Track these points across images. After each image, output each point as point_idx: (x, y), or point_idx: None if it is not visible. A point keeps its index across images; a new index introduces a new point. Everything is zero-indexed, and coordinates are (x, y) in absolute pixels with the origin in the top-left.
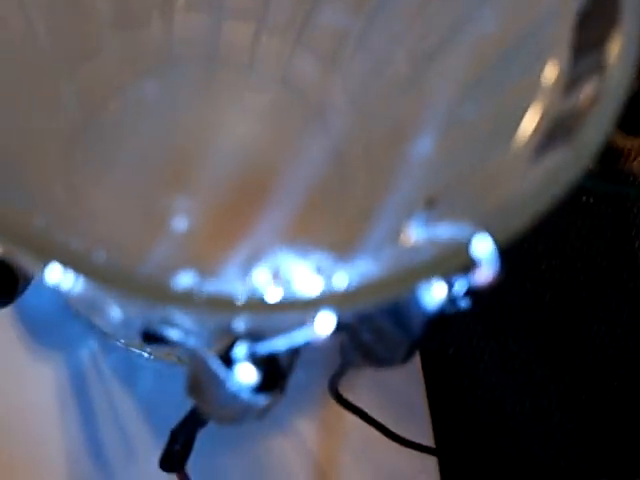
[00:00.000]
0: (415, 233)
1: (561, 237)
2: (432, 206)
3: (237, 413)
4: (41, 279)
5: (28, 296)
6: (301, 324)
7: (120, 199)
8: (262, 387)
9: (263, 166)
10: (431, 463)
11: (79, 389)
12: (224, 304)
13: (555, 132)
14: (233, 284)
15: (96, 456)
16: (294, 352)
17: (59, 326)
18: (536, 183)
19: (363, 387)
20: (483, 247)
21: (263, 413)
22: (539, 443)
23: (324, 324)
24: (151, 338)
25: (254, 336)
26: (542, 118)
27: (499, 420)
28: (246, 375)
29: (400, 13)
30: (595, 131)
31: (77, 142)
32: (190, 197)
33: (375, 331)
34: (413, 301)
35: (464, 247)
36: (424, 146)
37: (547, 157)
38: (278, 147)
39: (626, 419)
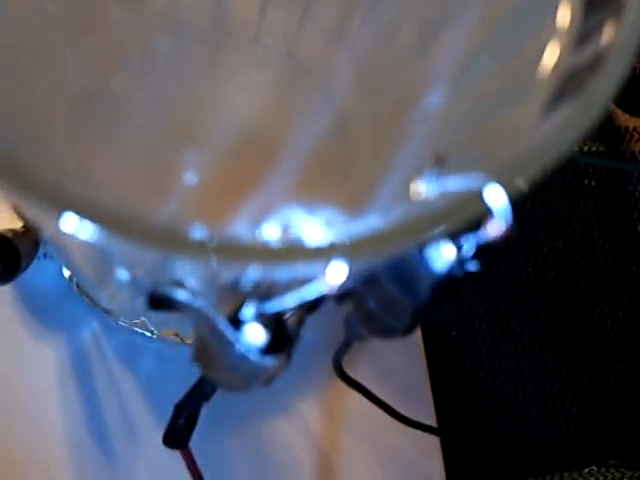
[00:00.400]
0: (425, 188)
1: (563, 220)
2: (442, 163)
3: (244, 378)
4: (42, 255)
5: (29, 275)
6: (307, 280)
7: (129, 160)
8: (270, 348)
9: (269, 131)
10: (433, 443)
11: (81, 369)
12: (236, 251)
13: (566, 86)
14: (243, 237)
15: (98, 437)
16: (300, 317)
17: (61, 306)
18: (546, 137)
19: (366, 368)
20: (496, 197)
21: (270, 379)
22: (541, 426)
23: (335, 273)
24: (158, 302)
25: (262, 295)
26: (554, 72)
27: (501, 402)
28: (254, 335)
29: None
30: (604, 86)
31: (84, 108)
32: (199, 155)
33: (381, 298)
34: (421, 263)
35: (476, 197)
36: (433, 104)
37: (558, 111)
38: (283, 116)
39: (629, 402)
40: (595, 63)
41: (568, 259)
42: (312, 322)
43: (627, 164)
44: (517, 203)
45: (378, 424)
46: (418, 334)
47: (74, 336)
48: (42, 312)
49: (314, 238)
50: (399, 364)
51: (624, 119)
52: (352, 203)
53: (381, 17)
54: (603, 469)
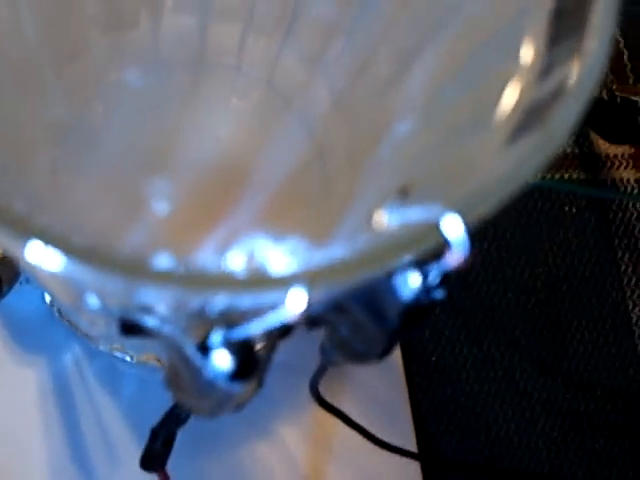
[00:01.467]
0: (388, 218)
1: (544, 246)
2: (406, 193)
3: (214, 403)
4: (24, 280)
5: (11, 300)
6: (272, 307)
7: (104, 190)
8: (238, 374)
9: (245, 160)
10: (414, 468)
11: (62, 394)
12: (200, 281)
13: (529, 118)
14: (208, 266)
15: (79, 461)
16: (271, 343)
17: (42, 331)
18: (509, 168)
19: (346, 393)
20: (453, 227)
21: (241, 405)
22: (522, 451)
23: (296, 302)
24: (129, 329)
25: (229, 322)
26: (518, 104)
27: (482, 427)
28: (221, 361)
29: (386, 8)
30: (566, 117)
31: (62, 138)
32: (171, 184)
33: (353, 325)
34: (388, 291)
35: (434, 228)
36: (402, 133)
37: (520, 143)
38: (260, 145)
39: (609, 427)
40: (557, 95)
41: (548, 285)
42: (295, 347)
43: (608, 192)
44: (497, 229)
45: (360, 449)
46: (398, 360)
47: (55, 361)
48: (23, 336)
49: (278, 267)
50: (380, 389)
51: (605, 147)
52: (321, 233)
53: (358, 46)
54: None
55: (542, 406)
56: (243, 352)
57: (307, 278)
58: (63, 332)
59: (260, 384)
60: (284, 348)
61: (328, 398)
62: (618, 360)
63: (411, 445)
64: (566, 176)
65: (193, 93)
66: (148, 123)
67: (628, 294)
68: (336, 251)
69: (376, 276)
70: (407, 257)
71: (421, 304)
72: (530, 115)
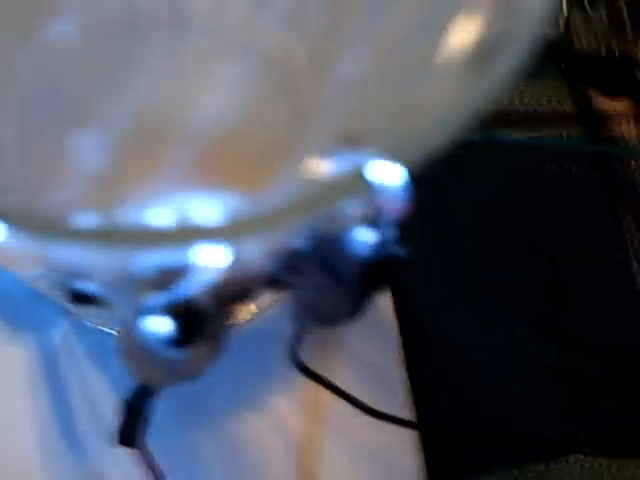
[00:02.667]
0: (328, 166)
1: (544, 206)
2: (355, 141)
3: (167, 372)
4: None
5: None
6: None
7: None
8: (179, 340)
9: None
10: (412, 437)
11: (51, 370)
12: (118, 237)
13: (479, 55)
14: (131, 223)
15: (69, 437)
16: (229, 308)
17: (29, 307)
18: (454, 108)
19: (339, 361)
20: (389, 173)
21: (197, 373)
22: (525, 416)
23: (221, 256)
24: (77, 297)
25: (166, 283)
26: (469, 39)
27: (482, 393)
28: (160, 326)
29: None
30: (511, 61)
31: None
32: (104, 137)
33: (315, 287)
34: (343, 249)
35: (366, 174)
36: (348, 74)
37: (467, 85)
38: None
39: (614, 389)
40: (508, 38)
41: (549, 246)
42: (286, 316)
43: (611, 147)
44: (494, 190)
45: (356, 420)
46: (394, 326)
47: (43, 337)
48: (10, 314)
49: (204, 220)
50: (375, 357)
51: (604, 103)
52: (256, 185)
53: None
54: (590, 457)
55: (545, 370)
56: (184, 316)
57: (230, 231)
58: (51, 308)
59: (216, 351)
60: (275, 317)
61: (320, 367)
62: (623, 321)
63: (409, 414)
64: (565, 134)
65: (168, 56)
66: (126, 88)
67: (632, 254)
68: (268, 202)
69: (308, 225)
70: (337, 205)
71: (379, 261)
72: (480, 54)
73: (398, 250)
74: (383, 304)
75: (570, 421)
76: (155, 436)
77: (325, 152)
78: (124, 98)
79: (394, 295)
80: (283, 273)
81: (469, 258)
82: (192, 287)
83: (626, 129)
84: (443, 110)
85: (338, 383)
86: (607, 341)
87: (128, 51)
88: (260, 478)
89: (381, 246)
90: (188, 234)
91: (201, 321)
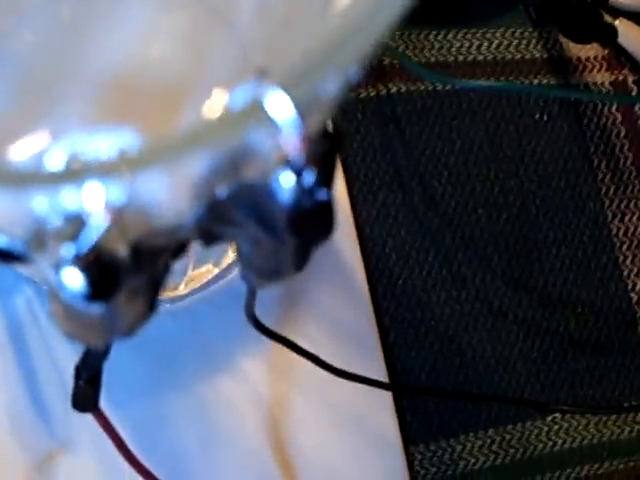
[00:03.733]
0: (229, 103)
1: (514, 158)
2: (263, 75)
3: (94, 329)
4: None
5: None
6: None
7: None
8: (94, 294)
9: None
10: (385, 398)
11: (16, 337)
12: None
13: None
14: (25, 165)
15: (36, 403)
16: (163, 262)
17: None
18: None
19: (310, 322)
20: (280, 106)
21: (128, 330)
22: (499, 374)
23: (113, 193)
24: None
25: (74, 234)
26: None
27: (456, 351)
28: (72, 280)
29: None
30: None
31: None
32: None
33: (250, 239)
34: (268, 197)
35: (258, 107)
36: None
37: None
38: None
39: (591, 345)
40: None
41: (521, 198)
42: None
43: (582, 94)
44: (463, 140)
45: (327, 380)
46: (363, 284)
47: (6, 304)
48: None
49: (94, 158)
50: (345, 316)
51: (575, 50)
52: (157, 125)
53: None
54: (567, 416)
55: (519, 326)
56: (95, 269)
57: (121, 164)
58: (12, 275)
59: (147, 307)
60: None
61: (289, 326)
62: (598, 274)
63: (381, 373)
64: (535, 82)
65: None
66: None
67: (607, 204)
68: (167, 137)
69: (216, 163)
70: (236, 137)
71: (306, 207)
72: None
73: (322, 194)
74: (351, 259)
75: (547, 379)
76: (124, 402)
77: (230, 86)
78: (21, 29)
79: (362, 250)
80: (210, 222)
81: (439, 211)
82: (94, 234)
83: (599, 76)
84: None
85: (310, 344)
86: (583, 295)
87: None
88: (231, 440)
89: (304, 191)
90: (75, 171)
91: (115, 275)
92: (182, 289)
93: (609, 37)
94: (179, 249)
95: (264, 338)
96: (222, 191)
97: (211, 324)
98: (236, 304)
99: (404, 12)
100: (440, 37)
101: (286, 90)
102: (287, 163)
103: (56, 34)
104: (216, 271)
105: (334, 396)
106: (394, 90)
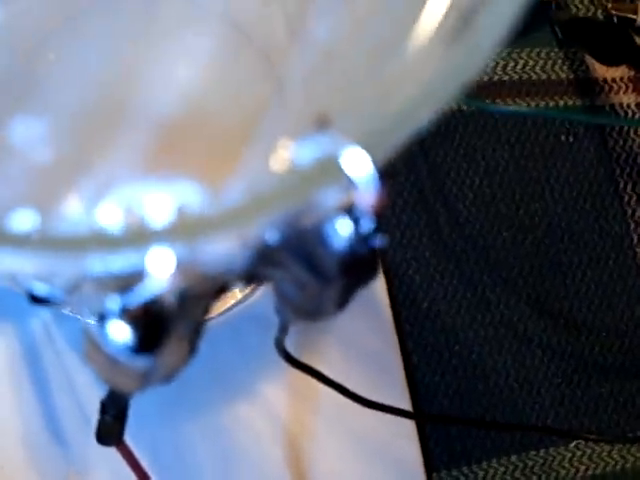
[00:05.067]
0: (294, 154)
1: (540, 180)
2: (326, 124)
3: (134, 378)
4: None
5: None
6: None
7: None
8: (140, 347)
9: (199, 100)
10: (408, 424)
11: (33, 359)
12: (62, 242)
13: (454, 29)
14: (78, 222)
15: (52, 428)
16: (205, 305)
17: (8, 296)
18: (428, 86)
19: (333, 349)
20: (358, 163)
21: (168, 376)
22: (523, 399)
23: (161, 261)
24: (35, 299)
25: (124, 286)
26: (443, 14)
27: (480, 376)
28: (118, 333)
29: None
30: (492, 23)
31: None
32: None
33: (294, 281)
34: (321, 242)
35: (334, 164)
36: (324, 44)
37: (444, 58)
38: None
39: (616, 370)
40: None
41: (545, 221)
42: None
43: (607, 117)
44: (487, 163)
45: (350, 407)
46: (386, 308)
47: (24, 326)
48: None
49: (157, 219)
50: (368, 341)
51: (602, 71)
52: (218, 173)
53: None
54: (591, 443)
55: (543, 351)
56: (144, 322)
57: (182, 231)
58: None
59: (189, 352)
60: (262, 301)
61: (313, 354)
62: (624, 298)
63: (404, 400)
64: (561, 103)
65: (145, 29)
66: (101, 64)
67: (632, 227)
68: (230, 195)
69: (278, 218)
70: (308, 197)
71: (358, 253)
72: (454, 27)
73: (377, 241)
74: (376, 285)
75: (571, 405)
76: (143, 430)
77: (297, 137)
78: (76, 76)
79: (386, 274)
80: (258, 266)
81: (464, 234)
82: (148, 291)
83: (625, 97)
84: (423, 84)
85: (332, 370)
86: (608, 320)
87: (89, 21)
88: (251, 467)
89: (359, 238)
90: (137, 238)
91: (164, 326)
92: None
93: (638, 59)
94: (221, 290)
95: (284, 363)
96: (273, 236)
97: (231, 348)
98: (255, 328)
99: (479, 72)
100: None
101: (367, 149)
102: (346, 211)
103: (118, 70)
104: (239, 296)
105: (356, 422)
106: None
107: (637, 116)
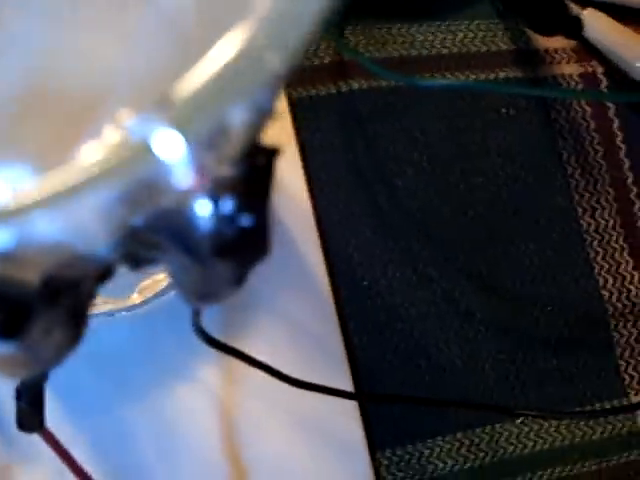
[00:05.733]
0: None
1: (480, 154)
2: (166, 102)
3: (16, 364)
4: None
5: None
6: None
7: None
8: (1, 332)
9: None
10: (350, 406)
11: None
12: None
13: None
14: None
15: None
16: (89, 291)
17: None
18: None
19: (271, 330)
20: (171, 145)
21: (53, 361)
22: (468, 376)
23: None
24: None
25: None
26: None
27: (422, 354)
28: None
29: None
30: None
31: None
32: None
33: (177, 264)
34: (188, 224)
35: (145, 148)
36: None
37: None
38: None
39: (561, 345)
40: None
41: (487, 195)
42: None
43: (549, 89)
44: (426, 137)
45: (287, 387)
46: (326, 287)
47: None
48: None
49: None
50: (308, 321)
51: (543, 42)
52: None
53: None
54: (538, 419)
55: (486, 326)
56: (2, 307)
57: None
58: None
59: (77, 336)
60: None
61: (249, 336)
62: (569, 271)
63: (346, 381)
64: (501, 75)
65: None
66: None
67: (576, 199)
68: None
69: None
70: (119, 184)
71: (227, 234)
72: None
73: (245, 220)
74: (315, 264)
75: (517, 380)
76: (82, 414)
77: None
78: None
79: (325, 253)
80: (133, 249)
81: (402, 211)
82: None
83: (568, 68)
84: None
85: (271, 352)
86: (553, 293)
87: None
88: (189, 449)
89: (223, 218)
90: None
91: (25, 310)
92: (136, 298)
93: (574, 29)
94: (104, 274)
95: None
96: (138, 220)
97: (166, 333)
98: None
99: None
100: (403, 31)
101: (178, 127)
102: (202, 191)
103: None
104: (168, 280)
105: (295, 403)
106: (355, 87)
107: (579, 87)
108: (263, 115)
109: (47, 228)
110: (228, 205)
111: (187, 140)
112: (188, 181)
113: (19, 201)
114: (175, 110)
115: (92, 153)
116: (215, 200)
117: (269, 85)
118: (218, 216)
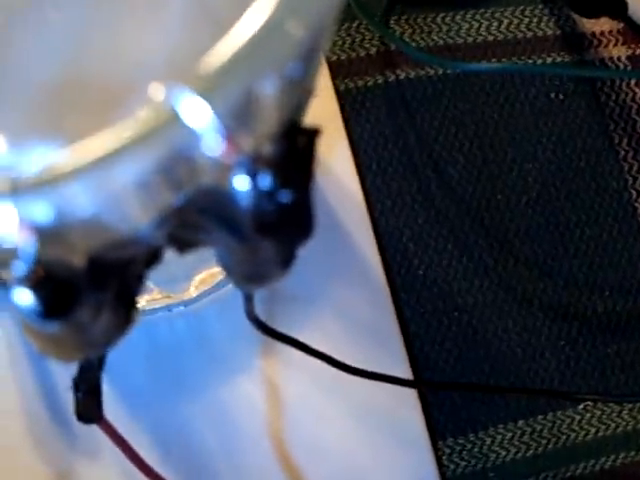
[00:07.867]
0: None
1: (531, 140)
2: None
3: (67, 345)
4: None
5: None
6: None
7: None
8: (48, 312)
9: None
10: (410, 394)
11: (31, 348)
12: None
13: None
14: None
15: (56, 413)
16: (138, 272)
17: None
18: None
19: (328, 321)
20: (198, 113)
21: (105, 343)
22: (528, 364)
23: (39, 211)
24: None
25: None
26: None
27: (481, 342)
28: (21, 299)
29: None
30: None
31: None
32: None
33: (223, 245)
34: (229, 202)
35: (172, 115)
36: None
37: None
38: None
39: (621, 329)
40: None
41: (540, 181)
42: None
43: (598, 71)
44: (477, 124)
45: (347, 378)
46: (381, 276)
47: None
48: None
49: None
50: (364, 311)
51: (589, 25)
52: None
53: None
54: (600, 403)
55: (545, 313)
56: (48, 286)
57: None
58: None
59: (127, 321)
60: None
61: (306, 326)
62: (625, 255)
63: (404, 369)
64: (549, 60)
65: None
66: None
67: (630, 182)
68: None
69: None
70: (151, 152)
71: (267, 210)
72: None
73: (284, 196)
74: (368, 252)
75: (577, 366)
76: (138, 406)
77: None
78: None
79: (379, 243)
80: (177, 231)
81: (456, 198)
82: (26, 253)
83: (615, 50)
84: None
85: (329, 342)
86: (610, 278)
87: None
88: (249, 440)
89: (262, 194)
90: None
91: (72, 289)
92: (192, 291)
93: (619, 10)
94: (152, 258)
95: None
96: (178, 199)
97: (223, 325)
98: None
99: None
100: (448, 19)
101: (204, 95)
102: (241, 167)
103: None
104: (223, 273)
105: (354, 393)
106: (403, 76)
107: (628, 69)
108: (296, 88)
109: (84, 199)
110: (266, 180)
111: (214, 108)
112: (219, 150)
113: (54, 171)
114: (201, 80)
115: (123, 125)
116: (253, 175)
117: (296, 55)
118: (257, 191)
